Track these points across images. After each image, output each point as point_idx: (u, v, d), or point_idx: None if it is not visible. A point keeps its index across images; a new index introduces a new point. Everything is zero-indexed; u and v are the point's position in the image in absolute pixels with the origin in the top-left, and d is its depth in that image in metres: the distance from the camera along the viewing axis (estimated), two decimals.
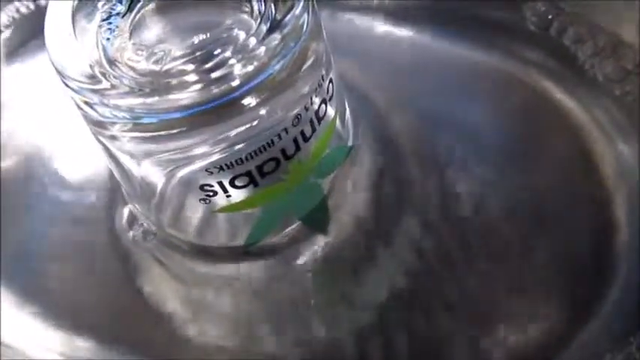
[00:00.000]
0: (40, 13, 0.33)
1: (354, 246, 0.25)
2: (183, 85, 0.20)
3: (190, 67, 0.20)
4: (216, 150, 0.21)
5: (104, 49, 0.21)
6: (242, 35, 0.20)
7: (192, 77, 0.20)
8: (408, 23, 0.31)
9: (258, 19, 0.20)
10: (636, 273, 0.24)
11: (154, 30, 0.21)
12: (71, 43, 0.21)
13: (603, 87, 0.27)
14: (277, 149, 0.21)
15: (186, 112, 0.20)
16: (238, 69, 0.20)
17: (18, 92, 0.32)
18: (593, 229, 0.25)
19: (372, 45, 0.31)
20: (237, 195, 0.22)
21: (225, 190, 0.22)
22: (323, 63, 0.22)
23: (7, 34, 0.33)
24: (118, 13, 0.21)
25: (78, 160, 0.29)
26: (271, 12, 0.20)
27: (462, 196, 0.26)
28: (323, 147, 0.23)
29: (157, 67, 0.20)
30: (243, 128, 0.21)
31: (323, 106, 0.22)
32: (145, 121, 0.20)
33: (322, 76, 0.22)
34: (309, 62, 0.21)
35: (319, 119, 0.22)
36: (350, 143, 0.25)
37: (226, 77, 0.20)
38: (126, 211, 0.27)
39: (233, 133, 0.21)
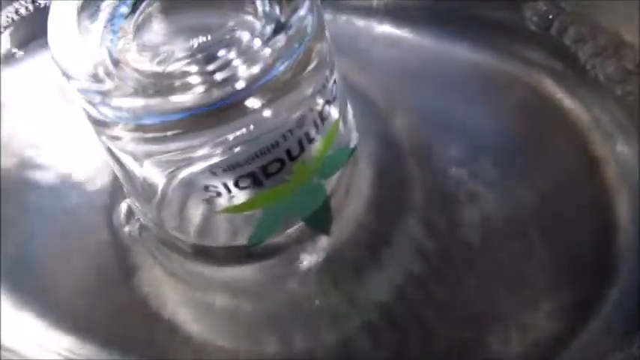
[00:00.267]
0: (38, 15, 0.33)
1: (356, 246, 0.26)
2: (187, 87, 0.20)
3: (194, 68, 0.20)
4: (220, 151, 0.21)
5: (108, 50, 0.21)
6: (246, 36, 0.20)
7: (196, 79, 0.20)
8: (408, 24, 0.31)
9: (263, 20, 0.20)
10: (637, 273, 0.24)
11: (157, 31, 0.21)
12: (75, 43, 0.21)
13: (604, 87, 0.28)
14: (282, 150, 0.21)
15: (189, 113, 0.20)
16: (242, 70, 0.20)
17: (18, 93, 0.32)
18: (594, 228, 0.26)
19: (372, 45, 0.31)
20: (241, 196, 0.22)
21: (229, 191, 0.22)
22: (327, 64, 0.22)
23: (6, 35, 0.33)
24: (121, 14, 0.21)
25: (77, 159, 0.29)
26: (276, 13, 0.20)
27: (463, 196, 0.26)
28: (327, 148, 0.23)
29: (160, 69, 0.20)
30: (246, 130, 0.21)
31: (327, 107, 0.22)
32: (148, 122, 0.20)
33: (326, 77, 0.22)
34: (313, 63, 0.21)
35: (323, 120, 0.22)
36: (352, 144, 0.25)
37: (230, 79, 0.20)
38: (124, 207, 0.27)
39: (237, 134, 0.21)
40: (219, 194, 0.22)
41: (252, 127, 0.21)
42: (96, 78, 0.20)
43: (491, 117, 0.29)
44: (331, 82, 0.22)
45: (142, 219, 0.27)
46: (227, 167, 0.21)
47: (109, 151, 0.23)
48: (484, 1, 0.30)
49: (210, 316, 0.25)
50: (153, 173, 0.23)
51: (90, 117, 0.21)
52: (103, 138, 0.22)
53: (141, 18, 0.21)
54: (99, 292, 0.26)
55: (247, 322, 0.25)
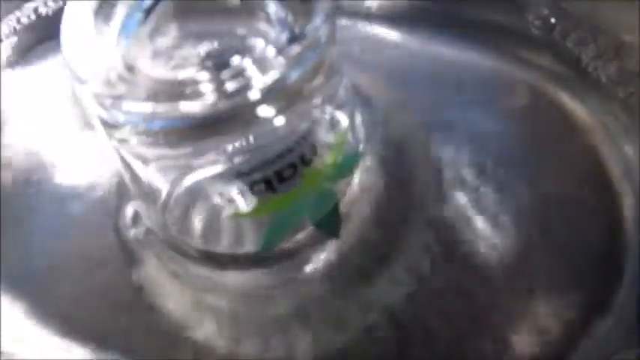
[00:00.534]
0: (41, 23, 0.33)
1: (365, 250, 0.26)
2: (198, 94, 0.20)
3: (206, 75, 0.20)
4: (231, 158, 0.21)
5: (121, 55, 0.21)
6: (259, 44, 0.20)
7: (208, 86, 0.20)
8: (408, 27, 0.31)
9: (276, 27, 0.20)
10: None
11: (170, 37, 0.21)
12: (89, 47, 0.21)
13: (607, 89, 0.28)
14: (295, 156, 0.21)
15: (201, 120, 0.20)
16: (255, 78, 0.19)
17: (20, 99, 0.32)
18: (598, 229, 0.26)
19: (375, 51, 0.31)
20: (254, 201, 0.22)
21: (242, 197, 0.22)
22: (337, 70, 0.22)
23: (8, 43, 0.33)
24: (136, 20, 0.21)
25: (82, 163, 0.29)
26: (289, 20, 0.20)
27: (470, 198, 0.26)
28: (338, 153, 0.23)
29: (172, 75, 0.20)
30: (258, 137, 0.21)
31: (338, 112, 0.22)
32: (158, 127, 0.20)
33: (337, 84, 0.22)
34: (325, 71, 0.21)
35: (334, 126, 0.22)
36: (360, 148, 0.25)
37: (243, 88, 0.19)
38: (130, 210, 0.27)
39: (249, 141, 0.21)
40: (231, 200, 0.22)
41: (264, 134, 0.21)
42: (109, 82, 0.20)
43: (494, 120, 0.29)
44: (341, 88, 0.22)
45: (147, 222, 0.27)
46: (239, 173, 0.21)
47: (117, 153, 0.23)
48: (487, 6, 0.30)
49: (217, 320, 0.25)
50: (160, 177, 0.23)
51: (99, 118, 0.21)
52: (112, 140, 0.22)
53: (155, 24, 0.22)
54: (103, 295, 0.26)
55: (255, 326, 0.25)
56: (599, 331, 0.24)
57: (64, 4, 0.32)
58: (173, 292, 0.26)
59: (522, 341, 0.24)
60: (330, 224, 0.25)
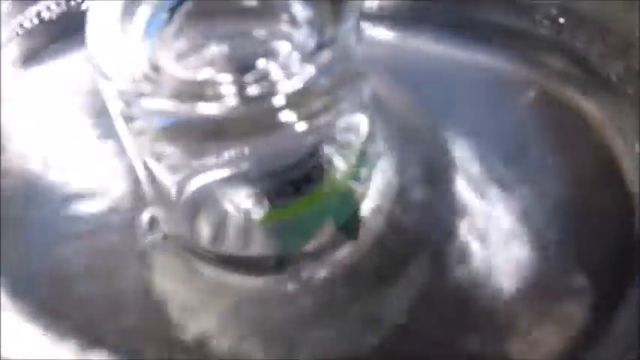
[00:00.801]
0: (42, 28, 0.33)
1: (384, 252, 0.26)
2: (220, 96, 0.19)
3: (229, 77, 0.20)
4: (254, 159, 0.21)
5: (146, 54, 0.21)
6: (283, 46, 0.20)
7: (231, 88, 0.20)
8: (415, 29, 0.31)
9: (303, 29, 0.20)
10: None
11: (194, 38, 0.21)
12: (113, 44, 0.21)
13: (617, 87, 0.28)
14: (318, 159, 0.21)
15: (222, 122, 0.20)
16: (281, 84, 0.19)
17: (24, 104, 0.31)
18: (612, 227, 0.26)
19: (384, 53, 0.31)
20: (279, 204, 0.22)
21: (269, 199, 0.22)
22: (362, 74, 0.22)
23: (10, 47, 0.32)
24: (160, 20, 0.21)
25: (88, 166, 0.29)
26: (317, 22, 0.20)
27: (486, 199, 0.27)
28: (362, 155, 0.23)
29: (195, 76, 0.20)
30: (282, 141, 0.21)
31: (361, 115, 0.22)
32: (179, 126, 0.20)
33: (362, 87, 0.22)
34: (352, 75, 0.21)
35: (356, 128, 0.22)
36: (379, 149, 0.25)
37: (267, 92, 0.19)
38: (146, 215, 0.27)
39: (272, 145, 0.21)
40: (258, 202, 0.22)
41: (286, 139, 0.21)
42: (133, 80, 0.20)
43: (505, 120, 0.29)
44: (365, 91, 0.22)
45: (164, 227, 0.26)
46: (263, 175, 0.21)
47: (135, 151, 0.23)
48: (495, 6, 0.30)
49: (235, 325, 0.25)
50: (182, 178, 0.23)
51: (120, 115, 0.21)
52: (131, 136, 0.22)
53: (178, 24, 0.21)
54: (112, 297, 0.26)
55: (274, 330, 0.25)
56: (613, 330, 0.24)
57: (68, 8, 0.33)
58: (186, 296, 0.26)
59: (539, 340, 0.24)
60: (350, 227, 0.25)
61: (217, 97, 0.19)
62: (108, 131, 0.29)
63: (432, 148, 0.28)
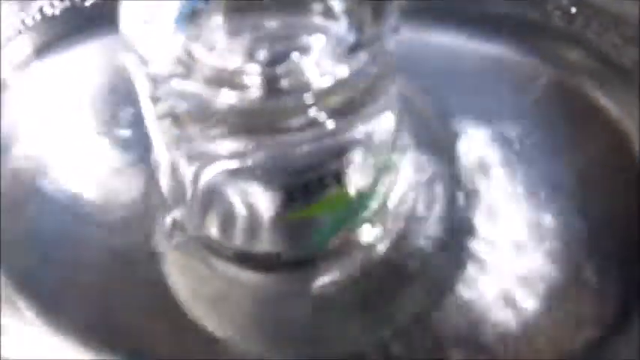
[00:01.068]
0: (46, 24, 0.32)
1: (406, 250, 0.25)
2: (248, 85, 0.19)
3: (260, 69, 0.20)
4: (274, 154, 0.21)
5: (178, 40, 0.20)
6: (320, 40, 0.20)
7: (260, 79, 0.19)
8: (427, 22, 0.31)
9: (341, 23, 0.20)
10: None
11: (228, 27, 0.21)
12: (146, 29, 0.20)
13: (631, 76, 0.28)
14: (347, 157, 0.21)
15: (246, 111, 0.19)
16: (313, 79, 0.19)
17: (29, 101, 0.31)
18: (630, 218, 0.26)
19: (401, 46, 0.30)
20: (306, 201, 0.22)
21: (302, 194, 0.22)
22: (393, 75, 0.21)
23: (12, 45, 0.32)
24: (195, 6, 0.21)
25: (94, 165, 0.29)
26: (355, 17, 0.20)
27: (499, 194, 0.26)
28: (388, 152, 0.22)
29: (225, 64, 0.20)
30: (306, 139, 0.20)
31: (388, 113, 0.22)
32: (205, 111, 0.20)
33: (391, 86, 0.21)
34: (385, 74, 0.20)
35: (385, 126, 0.22)
36: (405, 146, 0.25)
37: (298, 86, 0.19)
38: (169, 218, 0.27)
39: (294, 142, 0.20)
40: (291, 198, 0.22)
41: (315, 136, 0.20)
42: (167, 64, 0.20)
43: (518, 111, 0.29)
44: (393, 91, 0.22)
45: (187, 225, 0.26)
46: (281, 172, 0.21)
47: (159, 133, 0.22)
48: None
49: (256, 325, 0.25)
50: (193, 167, 0.22)
51: (149, 97, 0.21)
52: (158, 120, 0.22)
53: (213, 12, 0.21)
54: (128, 295, 0.25)
55: (299, 331, 0.25)
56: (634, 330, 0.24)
57: (72, 4, 0.32)
58: (204, 294, 0.26)
59: (561, 337, 0.24)
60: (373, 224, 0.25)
61: (245, 87, 0.19)
62: (109, 128, 0.29)
63: (448, 143, 0.28)
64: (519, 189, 0.27)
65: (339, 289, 0.25)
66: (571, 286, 0.24)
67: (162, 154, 0.23)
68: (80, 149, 0.29)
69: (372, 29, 0.20)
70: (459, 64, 0.30)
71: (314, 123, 0.20)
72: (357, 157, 0.22)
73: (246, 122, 0.20)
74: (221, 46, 0.20)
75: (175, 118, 0.21)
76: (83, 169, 0.29)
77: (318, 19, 0.20)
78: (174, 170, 0.23)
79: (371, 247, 0.25)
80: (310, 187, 0.22)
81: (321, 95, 0.19)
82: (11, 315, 0.25)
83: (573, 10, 0.29)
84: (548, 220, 0.26)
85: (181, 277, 0.26)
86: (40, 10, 0.32)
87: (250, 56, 0.20)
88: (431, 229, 0.26)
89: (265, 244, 0.25)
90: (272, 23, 0.21)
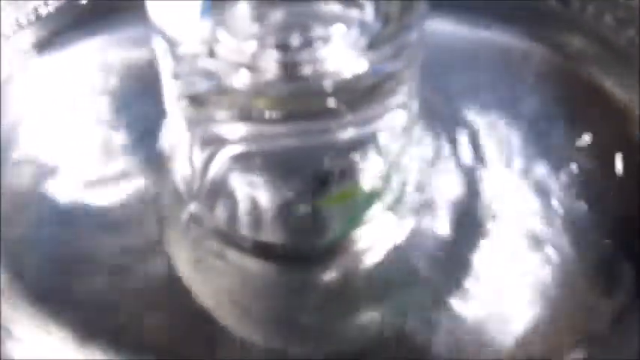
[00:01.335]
0: (41, 23, 0.32)
1: (418, 244, 0.25)
2: (267, 69, 0.19)
3: (282, 54, 0.20)
4: (298, 145, 0.21)
5: (203, 24, 0.20)
6: (344, 28, 0.20)
7: (280, 65, 0.19)
8: (435, 11, 0.31)
9: (367, 10, 0.20)
10: None
11: (254, 13, 0.21)
12: (172, 11, 0.20)
13: (631, 58, 0.28)
14: (364, 150, 0.21)
15: (262, 95, 0.19)
16: (332, 67, 0.19)
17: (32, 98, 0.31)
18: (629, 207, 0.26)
19: None
20: (320, 193, 0.22)
21: (317, 186, 0.22)
22: (417, 67, 0.21)
23: (11, 42, 0.32)
24: None
25: (101, 161, 0.29)
26: (382, 8, 0.20)
27: (515, 183, 0.27)
28: (403, 147, 0.22)
29: (248, 49, 0.20)
30: (326, 129, 0.20)
31: (410, 103, 0.22)
32: (224, 92, 0.20)
33: (414, 81, 0.21)
34: (409, 67, 0.20)
35: (403, 120, 0.22)
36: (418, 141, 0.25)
37: (317, 75, 0.19)
38: (187, 212, 0.26)
39: (316, 132, 0.20)
40: (323, 183, 0.22)
41: (327, 126, 0.20)
42: (193, 44, 0.20)
43: (528, 100, 0.29)
44: (414, 82, 0.22)
45: (196, 211, 0.26)
46: (306, 163, 0.21)
47: (176, 114, 0.22)
48: None
49: (270, 318, 0.25)
50: (206, 153, 0.22)
51: (172, 76, 0.21)
52: (180, 102, 0.22)
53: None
54: (138, 288, 0.25)
55: (318, 324, 0.24)
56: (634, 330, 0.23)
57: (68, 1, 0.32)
58: (220, 285, 0.26)
59: (561, 337, 0.24)
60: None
61: (264, 70, 0.19)
62: (111, 124, 0.29)
63: (455, 129, 0.28)
64: (525, 179, 0.27)
65: (353, 283, 0.25)
66: (571, 284, 0.25)
67: (179, 140, 0.23)
68: (80, 148, 0.29)
69: (399, 20, 0.20)
70: (465, 54, 0.30)
71: (332, 113, 0.20)
72: (372, 150, 0.22)
73: (263, 106, 0.20)
74: (245, 32, 0.20)
75: (195, 98, 0.21)
76: (83, 167, 0.28)
77: (344, 8, 0.20)
78: (189, 159, 0.23)
79: (383, 241, 0.25)
80: (323, 179, 0.22)
81: (341, 85, 0.19)
82: (12, 315, 0.25)
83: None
84: (556, 207, 0.26)
85: (194, 271, 0.26)
86: (35, 9, 0.32)
87: (273, 42, 0.20)
88: (444, 222, 0.26)
89: (273, 234, 0.25)
90: (297, 9, 0.21)
